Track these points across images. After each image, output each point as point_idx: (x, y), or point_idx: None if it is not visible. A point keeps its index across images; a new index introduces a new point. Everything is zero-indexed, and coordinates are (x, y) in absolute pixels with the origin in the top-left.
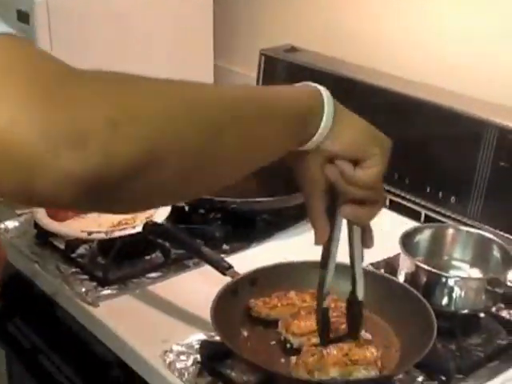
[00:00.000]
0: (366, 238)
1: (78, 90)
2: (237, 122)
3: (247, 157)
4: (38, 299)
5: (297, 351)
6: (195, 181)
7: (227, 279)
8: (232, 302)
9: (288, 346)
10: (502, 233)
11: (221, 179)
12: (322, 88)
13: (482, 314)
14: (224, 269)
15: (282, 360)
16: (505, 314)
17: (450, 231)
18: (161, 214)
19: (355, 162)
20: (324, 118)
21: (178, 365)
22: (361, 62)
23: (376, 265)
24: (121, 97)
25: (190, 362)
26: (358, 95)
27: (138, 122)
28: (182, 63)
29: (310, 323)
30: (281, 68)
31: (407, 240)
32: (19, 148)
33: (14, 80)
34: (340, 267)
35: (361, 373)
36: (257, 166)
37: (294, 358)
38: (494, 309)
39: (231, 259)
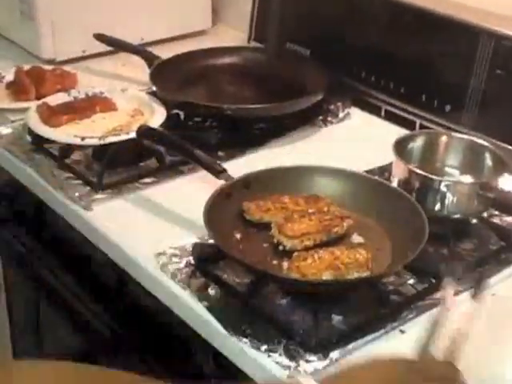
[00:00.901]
0: None
1: None
2: None
3: None
4: (31, 204)
5: (289, 253)
6: None
7: (221, 184)
8: (225, 205)
9: (280, 248)
10: (496, 141)
11: None
12: None
13: (474, 220)
14: (217, 172)
15: (275, 262)
16: (497, 220)
17: (443, 138)
18: (156, 121)
19: None
20: None
21: (171, 266)
22: None
23: (370, 172)
24: None
25: (182, 264)
26: (357, 8)
27: None
28: None
29: (303, 226)
30: None
31: (400, 146)
32: None
33: None
34: (334, 172)
35: (353, 275)
36: None
37: (286, 263)
38: (486, 215)
39: (226, 165)
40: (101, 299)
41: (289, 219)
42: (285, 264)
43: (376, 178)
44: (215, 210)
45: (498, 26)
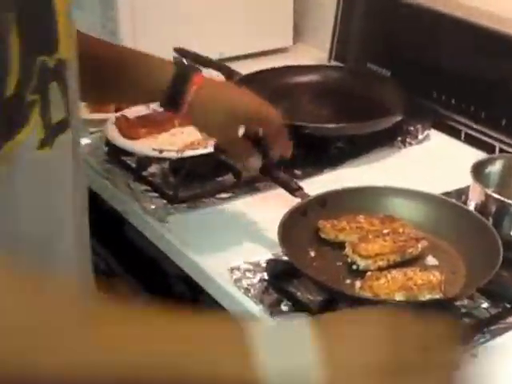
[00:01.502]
0: None
1: None
2: None
3: None
4: (107, 216)
5: (362, 273)
6: None
7: (297, 202)
8: (300, 223)
9: (354, 267)
10: None
11: None
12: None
13: None
14: (293, 189)
15: (348, 281)
16: None
17: None
18: None
19: None
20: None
21: (245, 282)
22: None
23: (447, 194)
24: None
25: (256, 280)
26: (438, 31)
27: None
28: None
29: (377, 246)
30: None
31: (478, 170)
32: None
33: None
34: (410, 193)
35: (425, 297)
36: None
37: (358, 282)
38: None
39: (302, 183)
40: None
41: (363, 239)
42: (357, 283)
43: (452, 200)
44: (290, 227)
45: None
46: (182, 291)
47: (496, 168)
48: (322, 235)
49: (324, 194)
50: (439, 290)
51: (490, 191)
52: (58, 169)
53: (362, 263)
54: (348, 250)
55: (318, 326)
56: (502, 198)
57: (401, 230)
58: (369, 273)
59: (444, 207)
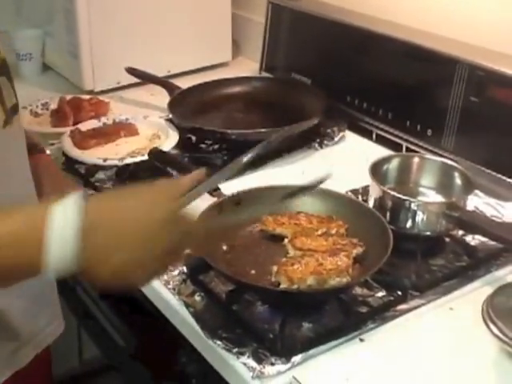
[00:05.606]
0: None
1: None
2: None
3: None
4: None
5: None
6: None
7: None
8: (216, 219)
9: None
10: (472, 163)
11: None
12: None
13: (447, 239)
14: (212, 190)
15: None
16: (469, 238)
17: (416, 160)
18: (169, 144)
19: None
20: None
21: (166, 275)
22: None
23: (354, 191)
24: None
25: (175, 273)
26: (352, 43)
27: None
28: (202, 12)
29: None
30: (286, 15)
31: (376, 169)
32: None
33: None
34: (316, 191)
35: (335, 280)
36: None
37: (275, 267)
38: (459, 234)
39: (226, 184)
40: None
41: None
42: (274, 268)
43: (350, 196)
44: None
45: (473, 57)
46: None
47: (392, 166)
48: (262, 227)
49: (237, 194)
50: (346, 273)
51: (386, 188)
52: (17, 139)
53: (291, 253)
54: (287, 241)
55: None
56: (397, 195)
57: (334, 231)
58: (284, 259)
59: (343, 202)
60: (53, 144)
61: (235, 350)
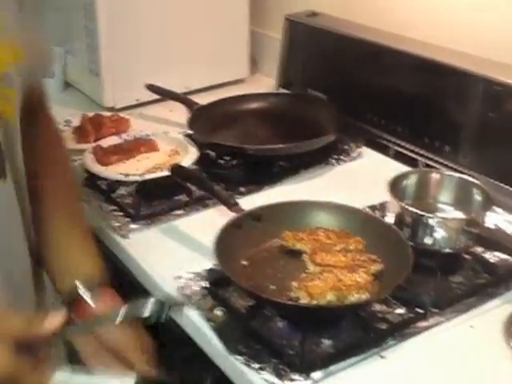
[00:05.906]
0: None
1: None
2: None
3: None
4: None
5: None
6: None
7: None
8: (236, 235)
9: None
10: (490, 179)
11: None
12: None
13: (466, 256)
14: (230, 205)
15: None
16: (489, 255)
17: (434, 176)
18: (188, 160)
19: None
20: None
21: (187, 289)
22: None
23: (372, 207)
24: None
25: (197, 287)
26: (370, 59)
27: None
28: (221, 29)
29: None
30: (303, 32)
31: (395, 184)
32: None
33: None
34: (334, 207)
35: (354, 296)
36: None
37: (295, 283)
38: (479, 250)
39: (245, 199)
40: None
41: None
42: (294, 283)
43: (368, 212)
44: (225, 239)
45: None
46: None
47: (411, 182)
48: (282, 242)
49: (257, 209)
50: (365, 289)
51: (404, 204)
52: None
53: (311, 268)
54: (306, 257)
55: None
56: (416, 210)
57: (352, 247)
58: (303, 274)
59: (361, 218)
60: (75, 160)
61: (255, 365)
